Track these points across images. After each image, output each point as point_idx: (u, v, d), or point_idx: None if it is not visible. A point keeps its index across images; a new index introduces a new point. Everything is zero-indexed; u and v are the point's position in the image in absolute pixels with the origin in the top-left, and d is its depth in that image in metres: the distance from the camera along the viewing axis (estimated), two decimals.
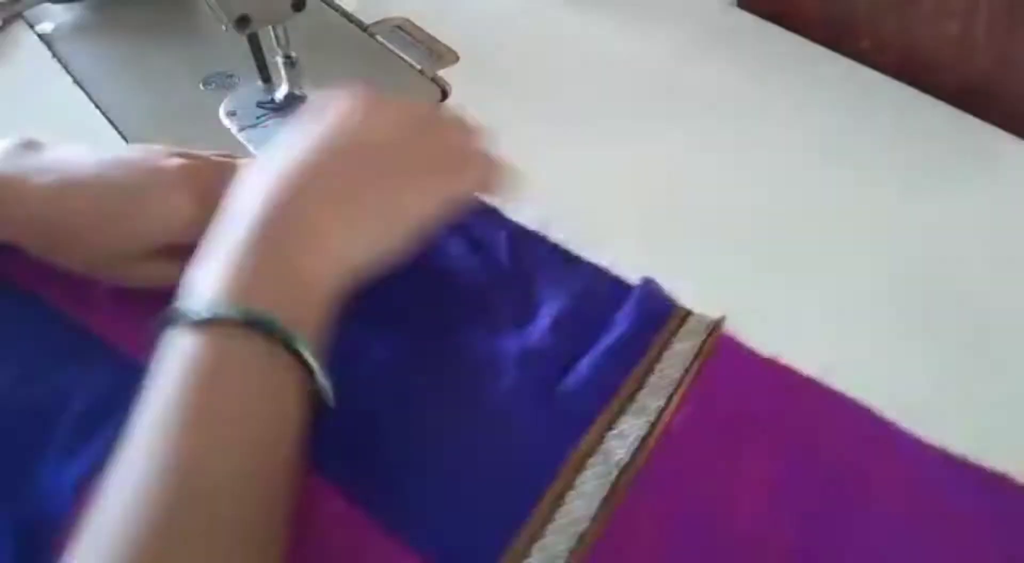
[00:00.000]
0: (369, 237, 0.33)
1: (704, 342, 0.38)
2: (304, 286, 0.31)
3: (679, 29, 0.64)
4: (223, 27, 0.48)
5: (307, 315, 0.31)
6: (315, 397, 0.31)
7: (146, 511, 0.25)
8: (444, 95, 0.58)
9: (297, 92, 0.55)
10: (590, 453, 0.33)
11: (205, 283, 0.30)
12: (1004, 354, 0.41)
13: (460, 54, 0.62)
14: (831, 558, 0.31)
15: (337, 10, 0.68)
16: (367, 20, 0.66)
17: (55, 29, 0.66)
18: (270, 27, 0.50)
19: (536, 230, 0.45)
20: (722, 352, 0.38)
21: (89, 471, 0.32)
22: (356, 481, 0.33)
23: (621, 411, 0.35)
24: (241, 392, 0.29)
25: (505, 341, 0.38)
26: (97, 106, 0.58)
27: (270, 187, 0.32)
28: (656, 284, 0.41)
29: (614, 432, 0.34)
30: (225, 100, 0.58)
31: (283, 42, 0.52)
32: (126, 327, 0.36)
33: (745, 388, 0.37)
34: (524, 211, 0.49)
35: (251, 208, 0.32)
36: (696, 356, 0.37)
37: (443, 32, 0.64)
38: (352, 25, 0.67)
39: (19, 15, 0.66)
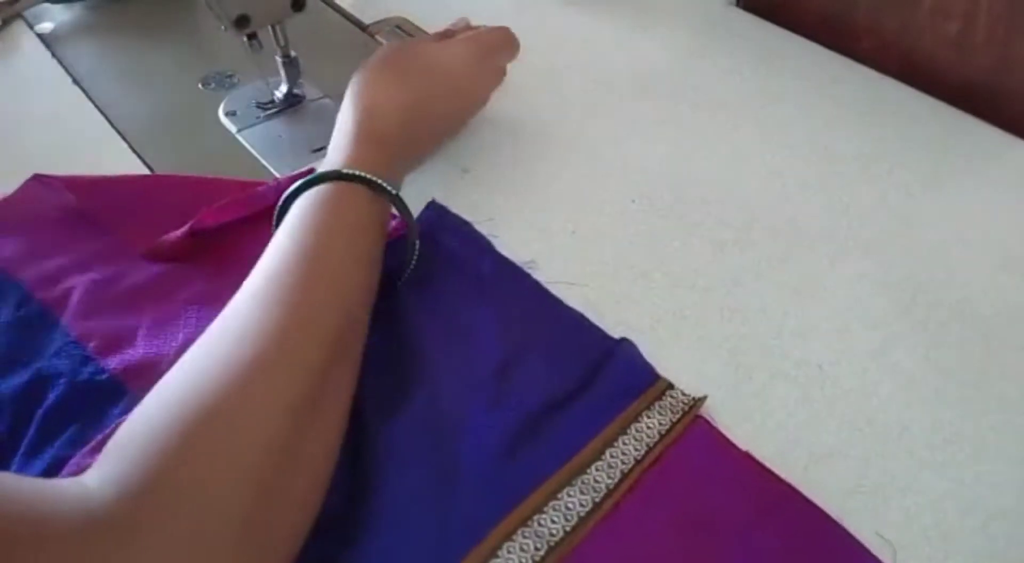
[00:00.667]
0: (430, 130, 0.48)
1: (677, 422, 0.35)
2: (388, 157, 0.43)
3: (679, 29, 0.64)
4: (223, 27, 0.48)
5: (393, 174, 0.43)
6: None
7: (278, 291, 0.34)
8: None
9: (297, 91, 0.55)
10: (523, 522, 0.32)
11: (330, 161, 0.42)
12: (1004, 354, 0.41)
13: None
14: None
15: (336, 10, 0.68)
16: (366, 20, 0.66)
17: (55, 29, 0.66)
18: (270, 27, 0.50)
19: (520, 265, 0.44)
20: (694, 437, 0.35)
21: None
22: None
23: (569, 483, 0.33)
24: (356, 213, 0.39)
25: (474, 387, 0.37)
26: (97, 106, 0.58)
27: (372, 95, 0.45)
28: (635, 348, 0.39)
29: (556, 503, 0.32)
30: (225, 100, 0.58)
31: (283, 42, 0.52)
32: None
33: (709, 484, 0.34)
34: (524, 209, 0.49)
35: (359, 109, 0.44)
36: (663, 436, 0.35)
37: None
38: (351, 25, 0.67)
39: (19, 15, 0.66)
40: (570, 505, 0.32)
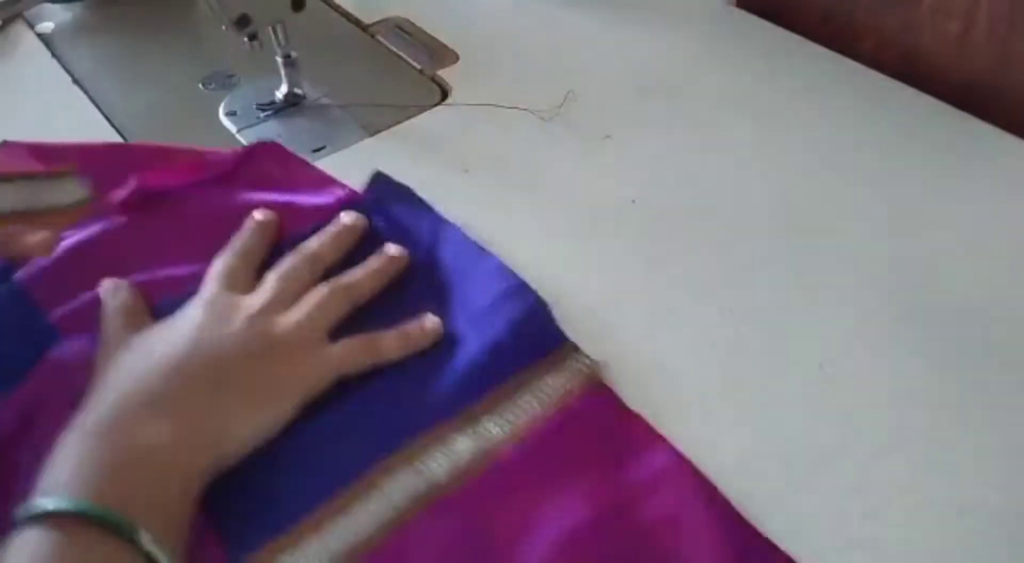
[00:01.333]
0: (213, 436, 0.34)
1: (574, 384, 0.37)
2: (153, 478, 0.32)
3: (679, 29, 0.64)
4: (223, 27, 0.48)
5: (158, 503, 0.31)
6: None
7: None
8: (444, 95, 0.58)
9: (297, 91, 0.55)
10: (407, 461, 0.34)
11: (50, 480, 0.31)
12: (1004, 354, 0.41)
13: (460, 54, 0.62)
14: None
15: (337, 10, 0.68)
16: (367, 20, 0.66)
17: (55, 29, 0.66)
18: (270, 27, 0.50)
19: (456, 224, 0.45)
20: (587, 398, 0.37)
21: None
22: None
23: (460, 430, 0.35)
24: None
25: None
26: (97, 106, 0.58)
27: (126, 389, 0.34)
28: (548, 311, 0.40)
29: (443, 448, 0.34)
30: (225, 100, 0.58)
31: (283, 42, 0.52)
32: None
33: (599, 443, 0.35)
34: (524, 209, 0.49)
35: (105, 407, 0.33)
36: (560, 396, 0.36)
37: (443, 32, 0.64)
38: (352, 25, 0.67)
39: (19, 15, 0.66)
40: (457, 450, 0.34)
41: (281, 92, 0.55)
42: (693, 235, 0.47)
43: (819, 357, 0.41)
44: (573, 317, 0.43)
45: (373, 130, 0.55)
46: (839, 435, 0.38)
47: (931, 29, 0.57)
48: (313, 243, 0.42)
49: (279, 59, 0.53)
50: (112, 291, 0.41)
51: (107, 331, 0.39)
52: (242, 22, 0.48)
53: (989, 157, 0.52)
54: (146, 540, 0.29)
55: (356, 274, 0.41)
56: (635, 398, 0.39)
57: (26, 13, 0.66)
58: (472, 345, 0.38)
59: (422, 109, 0.56)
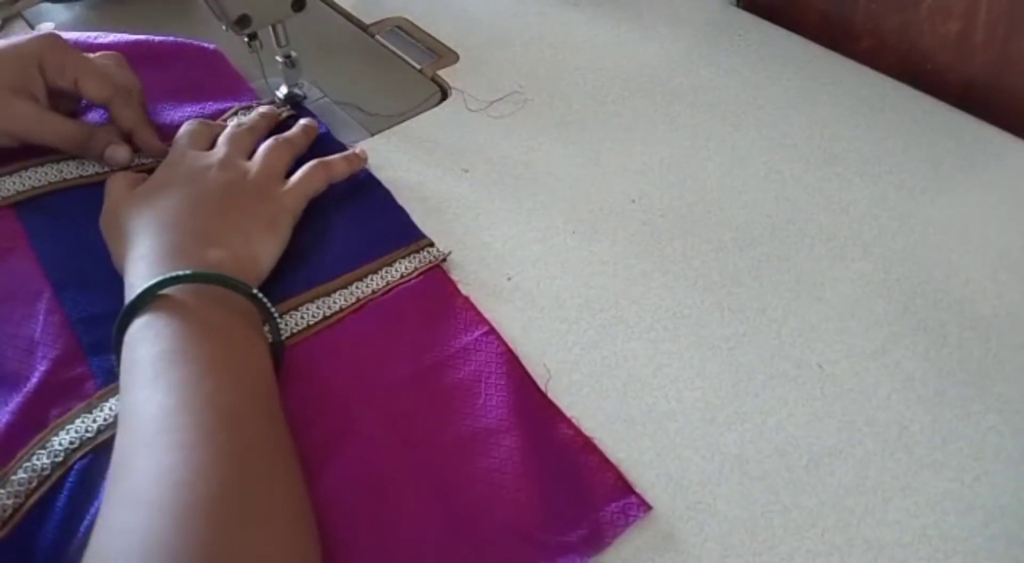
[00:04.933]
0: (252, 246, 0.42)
1: (416, 270, 0.44)
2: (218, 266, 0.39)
3: (679, 29, 0.64)
4: (223, 27, 0.48)
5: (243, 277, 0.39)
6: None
7: (182, 444, 0.30)
8: (444, 95, 0.58)
9: (297, 91, 0.55)
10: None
11: (148, 268, 0.37)
12: (1004, 354, 0.41)
13: (460, 54, 0.62)
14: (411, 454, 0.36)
15: (337, 10, 0.68)
16: (367, 20, 0.66)
17: (55, 29, 0.66)
18: (270, 27, 0.50)
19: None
20: (426, 278, 0.44)
21: None
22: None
23: (312, 300, 0.42)
24: (231, 332, 0.36)
25: None
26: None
27: (162, 216, 0.41)
28: (407, 216, 0.47)
29: (294, 312, 0.41)
30: None
31: (283, 42, 0.52)
32: None
33: (420, 310, 0.42)
34: (524, 209, 0.49)
35: (152, 229, 0.40)
36: (404, 277, 0.44)
37: (443, 32, 0.64)
38: (352, 25, 0.67)
39: (19, 15, 0.66)
40: (303, 316, 0.41)
41: (281, 92, 0.55)
42: (693, 235, 0.47)
43: (819, 357, 0.41)
44: (573, 316, 0.43)
45: (373, 130, 0.55)
46: (839, 435, 0.38)
47: (931, 29, 0.57)
48: (247, 120, 0.50)
49: (279, 59, 0.52)
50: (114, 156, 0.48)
51: (114, 192, 0.44)
52: (242, 22, 0.48)
53: (989, 157, 0.52)
54: (258, 292, 0.37)
55: (290, 133, 0.49)
56: (635, 397, 0.39)
57: (26, 13, 0.66)
58: (336, 236, 0.46)
59: (422, 109, 0.56)
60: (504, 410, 0.38)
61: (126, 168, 0.48)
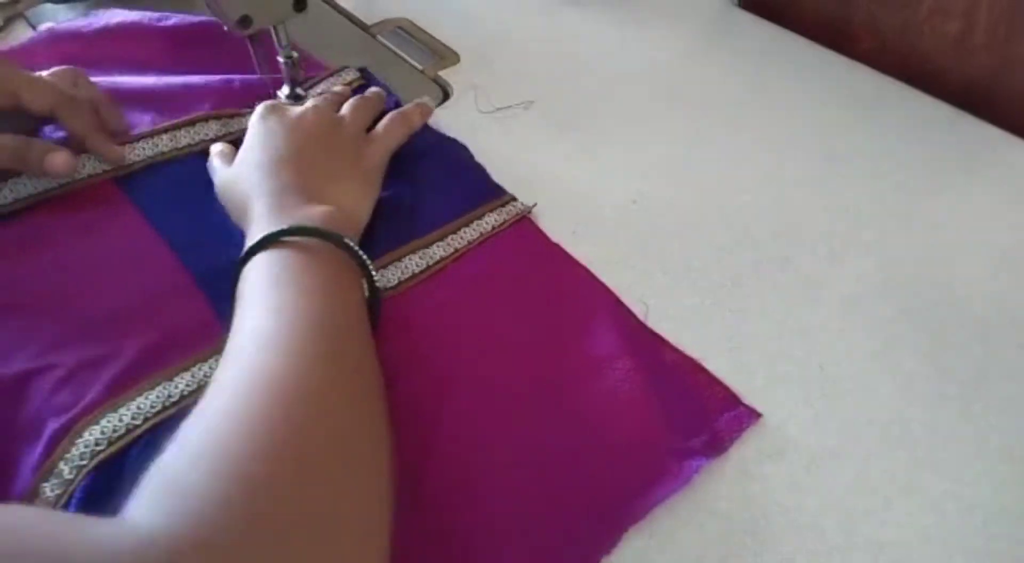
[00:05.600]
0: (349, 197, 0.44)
1: (506, 222, 0.47)
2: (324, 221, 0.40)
3: (679, 29, 0.64)
4: (224, 27, 0.48)
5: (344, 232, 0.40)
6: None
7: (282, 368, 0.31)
8: (445, 95, 0.58)
9: (299, 91, 0.55)
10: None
11: (263, 224, 0.39)
12: (1004, 354, 0.41)
13: (461, 54, 0.62)
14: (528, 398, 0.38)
15: (338, 10, 0.68)
16: (368, 20, 0.66)
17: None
18: (271, 27, 0.50)
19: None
20: (517, 229, 0.47)
21: None
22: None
23: (412, 252, 0.44)
24: (330, 277, 0.37)
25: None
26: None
27: (275, 169, 0.43)
28: (489, 176, 0.50)
29: (398, 263, 0.44)
30: None
31: (284, 42, 0.52)
32: None
33: (516, 256, 0.45)
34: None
35: (266, 183, 0.42)
36: (495, 228, 0.46)
37: (444, 32, 0.64)
38: (353, 25, 0.67)
39: (21, 15, 0.66)
40: (408, 266, 0.44)
41: (283, 93, 0.55)
42: (693, 235, 0.47)
43: (819, 357, 0.41)
44: None
45: None
46: (839, 435, 0.38)
47: (931, 30, 0.57)
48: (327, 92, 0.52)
49: (281, 60, 0.53)
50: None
51: (218, 169, 0.46)
52: (244, 22, 0.48)
53: (989, 157, 0.52)
54: (358, 250, 0.38)
55: (367, 94, 0.51)
56: None
57: (27, 13, 0.66)
58: (428, 195, 0.48)
59: None
60: (614, 339, 0.40)
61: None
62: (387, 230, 0.45)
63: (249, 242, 0.38)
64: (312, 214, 0.40)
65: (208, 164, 0.47)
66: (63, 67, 0.49)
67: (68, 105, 0.46)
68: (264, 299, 0.35)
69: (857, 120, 0.55)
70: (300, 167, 0.43)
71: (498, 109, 0.56)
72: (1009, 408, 0.39)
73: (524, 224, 0.47)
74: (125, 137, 0.49)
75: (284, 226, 0.38)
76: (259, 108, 0.47)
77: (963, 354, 0.41)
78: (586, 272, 0.44)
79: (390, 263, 0.44)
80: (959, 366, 0.41)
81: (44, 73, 0.48)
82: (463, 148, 0.51)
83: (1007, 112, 0.54)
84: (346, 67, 0.57)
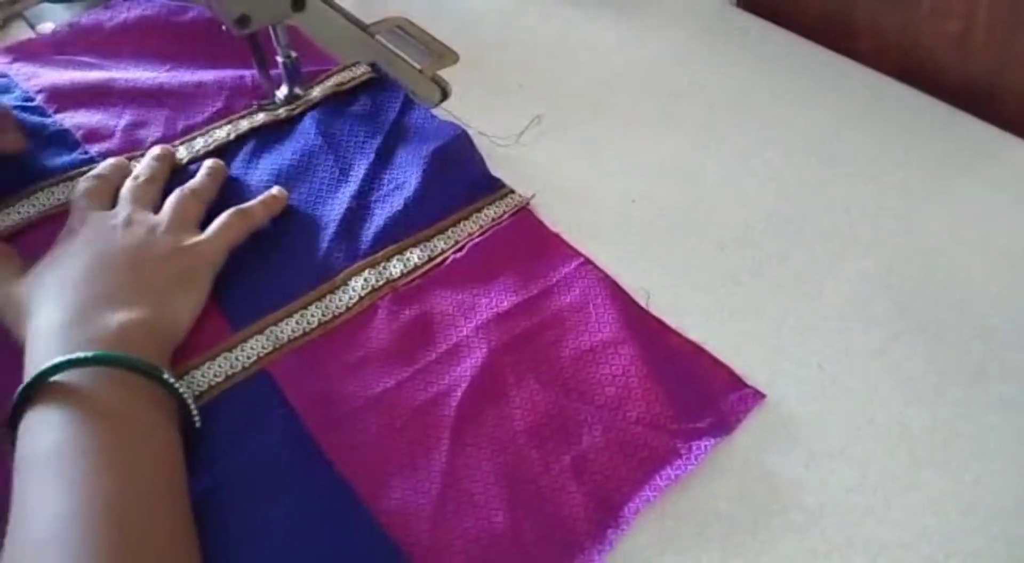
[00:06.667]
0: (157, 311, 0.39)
1: (505, 213, 0.48)
2: (130, 342, 0.36)
3: (679, 29, 0.64)
4: (223, 27, 0.48)
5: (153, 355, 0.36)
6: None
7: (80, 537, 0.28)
8: (444, 95, 0.58)
9: (297, 91, 0.55)
10: (371, 266, 0.44)
11: (50, 349, 0.34)
12: (1004, 354, 0.41)
13: (460, 54, 0.62)
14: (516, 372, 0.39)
15: (337, 10, 0.68)
16: (367, 19, 0.66)
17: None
18: (270, 27, 0.50)
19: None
20: (516, 220, 0.47)
21: None
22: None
23: (416, 244, 0.45)
24: (132, 418, 0.33)
25: (364, 176, 0.49)
26: None
27: (65, 292, 0.38)
28: (485, 166, 0.51)
29: (400, 256, 0.45)
30: None
31: (283, 42, 0.51)
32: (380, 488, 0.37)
33: (516, 247, 0.46)
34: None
35: (58, 307, 0.37)
36: (495, 220, 0.47)
37: (443, 32, 0.64)
38: (352, 25, 0.67)
39: (20, 15, 0.66)
40: (411, 258, 0.45)
41: (282, 92, 0.55)
42: (693, 235, 0.47)
43: (818, 356, 0.41)
44: None
45: None
46: (839, 435, 0.38)
47: (931, 29, 0.57)
48: (143, 169, 0.47)
49: (279, 59, 0.52)
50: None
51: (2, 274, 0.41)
52: (243, 22, 0.48)
53: (989, 157, 0.52)
54: (168, 376, 0.35)
55: (195, 181, 0.47)
56: None
57: (26, 13, 0.66)
58: (429, 188, 0.48)
59: None
60: (616, 325, 0.41)
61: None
62: (389, 223, 0.46)
63: (31, 367, 0.34)
64: (110, 324, 0.36)
65: None
66: None
67: None
68: (50, 474, 0.31)
69: (857, 120, 0.55)
70: (106, 274, 0.39)
71: (514, 135, 0.56)
72: (1009, 408, 0.39)
73: (523, 215, 0.48)
74: (140, 148, 0.50)
75: (61, 356, 0.33)
76: (76, 194, 0.44)
77: (963, 354, 0.41)
78: (587, 261, 0.45)
79: (393, 256, 0.44)
80: (959, 366, 0.40)
81: None
82: (464, 136, 0.52)
83: (1007, 112, 0.54)
84: (356, 62, 0.57)
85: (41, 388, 0.33)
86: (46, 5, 0.66)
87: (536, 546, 0.33)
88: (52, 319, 0.36)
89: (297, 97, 0.55)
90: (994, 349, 0.41)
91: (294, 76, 0.54)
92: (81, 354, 0.33)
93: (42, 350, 0.34)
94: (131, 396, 0.34)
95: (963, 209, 0.49)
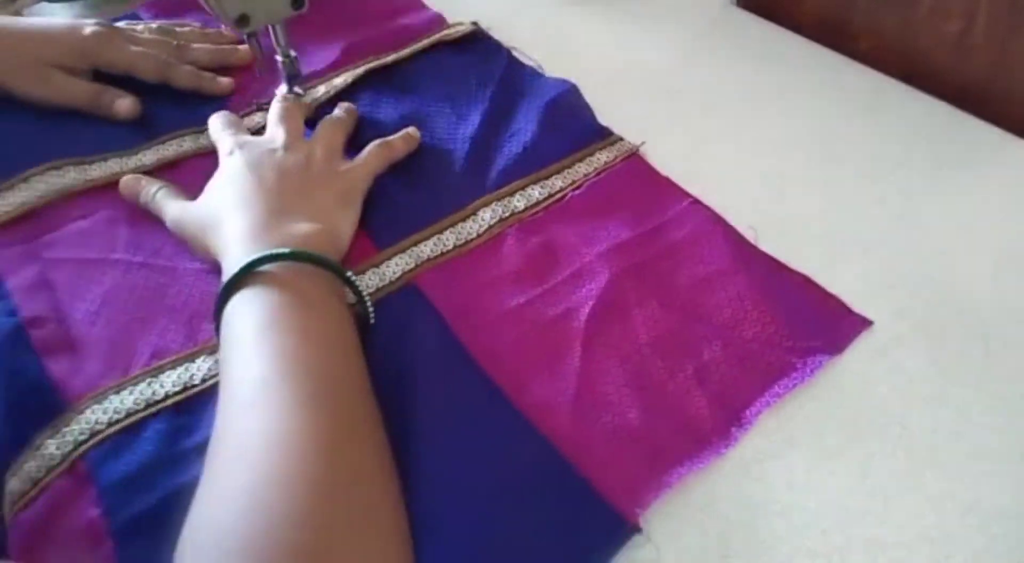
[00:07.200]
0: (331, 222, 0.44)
1: (617, 158, 0.51)
2: (314, 248, 0.39)
3: (679, 29, 0.64)
4: (222, 26, 0.48)
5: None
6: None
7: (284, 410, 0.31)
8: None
9: (297, 90, 0.55)
10: (497, 199, 0.48)
11: (239, 251, 0.38)
12: (1004, 354, 0.41)
13: None
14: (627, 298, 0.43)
15: None
16: None
17: None
18: (270, 26, 0.50)
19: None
20: (628, 164, 0.51)
21: None
22: None
23: (536, 181, 0.49)
24: (324, 304, 0.37)
25: (489, 124, 0.53)
26: None
27: (254, 197, 0.42)
28: (598, 122, 0.54)
29: (522, 192, 0.48)
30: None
31: (282, 41, 0.51)
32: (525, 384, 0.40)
33: (631, 186, 0.49)
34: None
35: (244, 209, 0.41)
36: (608, 163, 0.51)
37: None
38: None
39: (19, 14, 0.66)
40: (532, 194, 0.48)
41: (281, 92, 0.55)
42: None
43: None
44: None
45: None
46: (839, 435, 0.38)
47: (930, 29, 0.57)
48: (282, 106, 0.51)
49: (279, 59, 0.52)
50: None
51: (171, 206, 0.45)
52: (242, 21, 0.48)
53: (988, 157, 0.52)
54: (351, 274, 0.39)
55: (336, 114, 0.52)
56: None
57: (26, 12, 0.66)
58: (545, 135, 0.52)
59: None
60: (729, 257, 0.44)
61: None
62: (510, 164, 0.50)
63: (227, 272, 0.38)
64: (294, 232, 0.40)
65: (145, 200, 0.46)
66: (158, 38, 0.56)
67: (171, 71, 0.54)
68: (259, 348, 0.34)
69: (857, 119, 0.55)
70: (275, 196, 0.42)
71: None
72: (1009, 408, 0.39)
73: (634, 160, 0.51)
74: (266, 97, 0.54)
75: (264, 251, 0.37)
76: (226, 145, 0.46)
77: (963, 353, 0.41)
78: (696, 200, 0.48)
79: (516, 191, 0.48)
80: (959, 366, 0.40)
81: (140, 31, 0.56)
82: (575, 90, 0.56)
83: (1007, 111, 0.54)
84: (460, 22, 0.62)
85: (244, 280, 0.36)
86: (45, 5, 0.66)
87: (669, 440, 0.37)
88: (243, 226, 0.40)
89: (297, 96, 0.55)
90: (994, 349, 0.41)
91: (293, 75, 0.54)
92: (282, 249, 0.37)
93: (239, 250, 0.38)
94: (324, 288, 0.38)
95: (963, 209, 0.49)
